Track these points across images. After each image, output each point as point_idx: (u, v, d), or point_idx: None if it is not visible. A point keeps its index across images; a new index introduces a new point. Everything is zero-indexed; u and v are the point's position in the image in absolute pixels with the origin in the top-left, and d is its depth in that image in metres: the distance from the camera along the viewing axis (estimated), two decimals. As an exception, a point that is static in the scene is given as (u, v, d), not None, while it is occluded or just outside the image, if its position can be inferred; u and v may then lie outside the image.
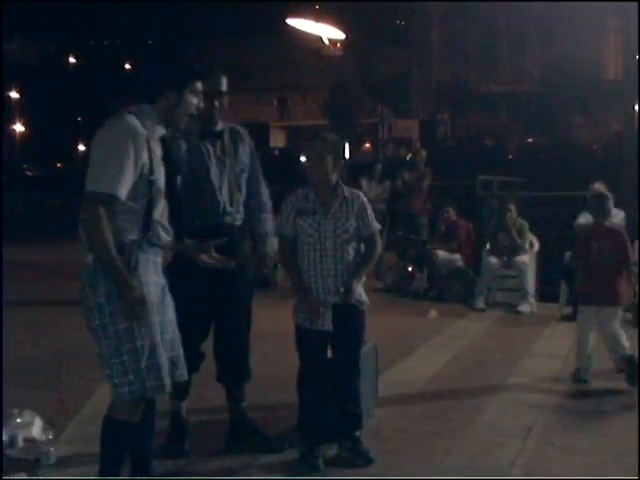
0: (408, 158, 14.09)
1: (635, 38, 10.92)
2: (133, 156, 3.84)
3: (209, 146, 5.06)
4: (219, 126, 5.14)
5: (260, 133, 44.62)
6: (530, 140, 33.04)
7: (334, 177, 4.99)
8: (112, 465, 4.04)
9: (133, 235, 3.91)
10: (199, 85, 4.16)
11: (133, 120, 3.92)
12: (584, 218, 10.27)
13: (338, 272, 4.93)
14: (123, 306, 3.81)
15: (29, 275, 13.34)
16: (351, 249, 4.99)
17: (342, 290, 4.90)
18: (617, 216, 10.15)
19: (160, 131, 4.07)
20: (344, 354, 5.07)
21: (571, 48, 28.48)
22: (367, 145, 38.02)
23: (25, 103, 47.71)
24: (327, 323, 4.93)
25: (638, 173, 10.26)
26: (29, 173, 40.87)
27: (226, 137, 5.16)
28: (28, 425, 5.21)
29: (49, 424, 5.34)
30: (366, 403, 5.32)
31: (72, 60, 53.22)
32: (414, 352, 8.13)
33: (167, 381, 3.94)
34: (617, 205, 10.20)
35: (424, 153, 13.57)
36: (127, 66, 48.42)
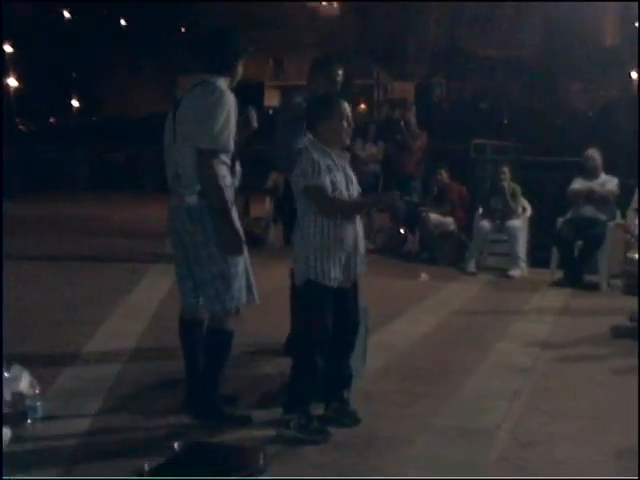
0: (398, 115, 13.89)
1: (634, 4, 10.85)
2: (232, 117, 4.69)
3: None
4: None
5: (255, 92, 44.39)
6: (526, 105, 32.87)
7: (347, 139, 5.05)
8: (221, 365, 4.94)
9: (228, 181, 4.79)
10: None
11: (225, 87, 4.77)
12: (577, 184, 10.26)
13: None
14: (224, 240, 4.68)
15: (20, 230, 13.26)
16: None
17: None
18: (611, 182, 10.14)
19: None
20: (351, 312, 5.02)
21: (570, 14, 28.27)
22: (362, 106, 37.82)
23: (18, 57, 47.20)
24: (354, 272, 4.96)
25: (638, 139, 10.20)
26: (22, 127, 40.58)
27: None
28: (16, 379, 5.20)
29: (37, 378, 5.33)
30: (355, 364, 5.32)
31: (67, 15, 52.65)
32: (404, 314, 8.13)
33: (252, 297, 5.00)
34: (611, 172, 10.21)
35: (412, 112, 13.41)
36: (122, 22, 47.87)
